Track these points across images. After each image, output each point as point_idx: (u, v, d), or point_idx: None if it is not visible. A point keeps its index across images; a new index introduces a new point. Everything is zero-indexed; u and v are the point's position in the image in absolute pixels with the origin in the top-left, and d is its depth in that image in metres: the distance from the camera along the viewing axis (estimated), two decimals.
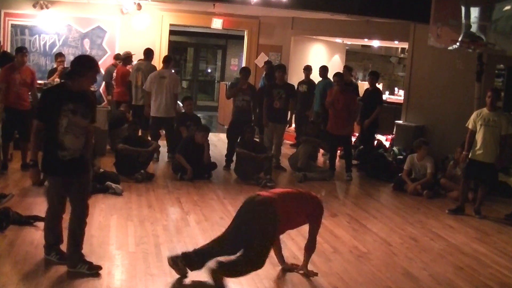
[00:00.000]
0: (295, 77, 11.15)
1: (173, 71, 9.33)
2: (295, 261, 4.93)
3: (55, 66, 10.40)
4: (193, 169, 7.70)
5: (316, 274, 4.63)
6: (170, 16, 11.88)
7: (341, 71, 10.23)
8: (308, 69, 10.61)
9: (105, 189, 6.63)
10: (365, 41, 13.82)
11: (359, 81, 14.59)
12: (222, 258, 4.27)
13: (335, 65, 13.07)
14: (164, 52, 11.73)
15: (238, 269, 4.23)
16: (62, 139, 4.22)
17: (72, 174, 4.33)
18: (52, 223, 4.57)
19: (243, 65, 12.32)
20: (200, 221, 5.93)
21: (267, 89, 9.14)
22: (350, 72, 10.89)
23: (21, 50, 7.53)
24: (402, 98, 12.05)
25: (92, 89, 9.40)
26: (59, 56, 10.25)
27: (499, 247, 5.93)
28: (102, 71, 11.36)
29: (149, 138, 8.75)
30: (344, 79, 10.06)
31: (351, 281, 4.63)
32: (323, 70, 10.67)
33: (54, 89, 4.61)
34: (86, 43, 11.46)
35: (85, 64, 4.30)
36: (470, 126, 7.03)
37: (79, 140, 4.31)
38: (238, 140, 8.57)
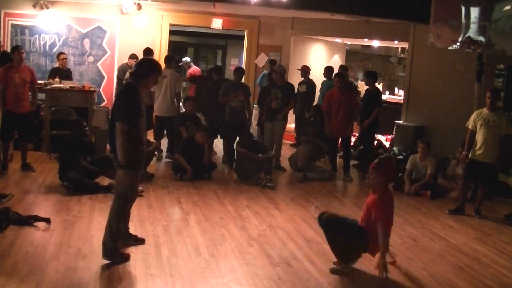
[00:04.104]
0: (295, 77, 11.15)
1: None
2: (295, 261, 4.94)
3: (56, 65, 10.41)
4: (193, 169, 7.71)
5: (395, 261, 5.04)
6: (170, 16, 11.88)
7: (339, 71, 10.25)
8: (305, 70, 10.57)
9: (107, 189, 6.63)
10: (365, 41, 13.81)
11: (359, 81, 14.61)
12: None
13: (335, 65, 13.04)
14: (164, 52, 11.72)
15: None
16: (141, 136, 4.56)
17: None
18: (124, 217, 4.79)
19: (243, 65, 12.33)
20: (200, 221, 5.93)
21: (266, 89, 9.19)
22: (345, 72, 10.89)
23: (17, 48, 7.53)
24: (402, 98, 12.06)
25: (92, 89, 9.44)
26: (61, 54, 10.27)
27: (499, 247, 5.93)
28: (102, 70, 11.45)
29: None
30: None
31: (351, 281, 4.64)
32: (328, 71, 10.67)
33: (134, 90, 4.56)
34: (86, 43, 11.46)
35: (149, 67, 4.60)
36: (470, 126, 7.03)
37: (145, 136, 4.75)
38: (238, 140, 8.59)
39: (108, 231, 4.60)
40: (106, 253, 4.57)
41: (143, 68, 4.60)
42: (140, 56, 10.55)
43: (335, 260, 4.83)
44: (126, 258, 4.64)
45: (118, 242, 4.70)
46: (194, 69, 11.86)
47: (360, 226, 4.75)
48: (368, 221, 4.70)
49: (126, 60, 10.76)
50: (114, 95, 10.77)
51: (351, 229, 4.73)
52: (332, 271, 4.73)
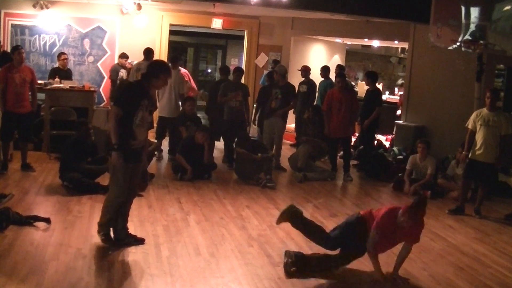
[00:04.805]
0: (295, 78, 11.15)
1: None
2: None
3: (56, 65, 10.40)
4: (193, 169, 7.71)
5: (407, 280, 4.71)
6: (170, 16, 11.88)
7: (336, 71, 10.28)
8: (305, 70, 10.57)
9: (107, 189, 6.61)
10: (365, 41, 13.81)
11: (359, 81, 14.62)
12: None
13: (335, 65, 13.05)
14: (164, 52, 11.75)
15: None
16: (135, 130, 4.70)
17: (136, 161, 4.84)
18: (116, 202, 4.89)
19: (243, 65, 12.34)
20: (200, 221, 5.93)
21: (266, 88, 9.19)
22: (342, 71, 10.87)
23: (17, 48, 7.54)
24: (398, 98, 12.13)
25: (92, 89, 9.44)
26: (62, 54, 10.27)
27: (499, 247, 5.93)
28: (102, 70, 11.45)
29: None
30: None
31: (351, 281, 4.64)
32: (325, 70, 10.67)
33: (135, 85, 5.08)
34: (86, 43, 11.46)
35: (160, 67, 4.83)
36: (469, 126, 7.03)
37: (145, 133, 4.89)
38: (237, 140, 8.60)
39: (101, 215, 4.96)
40: (98, 230, 4.97)
41: (153, 69, 4.83)
42: (132, 55, 10.64)
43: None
44: (110, 240, 4.93)
45: (108, 228, 4.97)
46: (184, 71, 11.91)
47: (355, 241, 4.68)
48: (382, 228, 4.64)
49: (117, 61, 10.77)
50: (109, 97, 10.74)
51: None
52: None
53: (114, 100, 4.81)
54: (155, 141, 8.96)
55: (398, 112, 11.91)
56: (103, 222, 4.94)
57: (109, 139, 4.73)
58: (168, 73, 4.88)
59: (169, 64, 8.91)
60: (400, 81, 12.98)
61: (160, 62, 5.14)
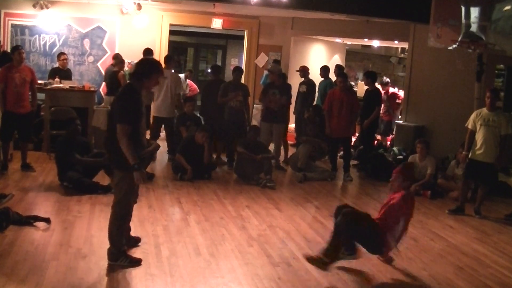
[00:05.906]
0: (295, 78, 11.15)
1: (173, 71, 9.31)
2: (294, 261, 4.93)
3: (56, 65, 10.40)
4: (193, 169, 7.71)
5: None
6: (170, 16, 11.88)
7: (335, 71, 10.27)
8: (303, 70, 10.57)
9: (107, 188, 6.63)
10: (365, 41, 13.81)
11: (359, 81, 14.60)
12: None
13: (335, 65, 13.04)
14: (164, 52, 11.72)
15: None
16: (141, 139, 4.45)
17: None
18: (125, 221, 4.64)
19: (243, 65, 12.32)
20: (200, 221, 5.93)
21: (265, 89, 9.20)
22: (341, 71, 10.86)
23: (17, 48, 7.53)
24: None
25: (92, 89, 9.44)
26: (62, 54, 10.26)
27: (499, 247, 5.93)
28: (102, 70, 11.45)
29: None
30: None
31: (351, 281, 4.64)
32: (324, 70, 10.67)
33: (133, 91, 4.40)
34: (86, 43, 11.46)
35: (151, 67, 4.43)
36: (469, 126, 7.04)
37: (145, 138, 4.64)
38: (238, 140, 8.60)
39: (108, 236, 4.57)
40: (109, 257, 4.54)
41: (144, 68, 4.41)
42: (132, 55, 10.55)
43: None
44: (136, 262, 4.55)
45: (124, 246, 4.65)
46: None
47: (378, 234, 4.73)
48: (386, 223, 4.75)
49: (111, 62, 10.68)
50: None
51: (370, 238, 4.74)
52: (310, 260, 4.65)
53: (120, 116, 4.27)
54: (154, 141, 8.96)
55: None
56: (119, 246, 4.54)
57: (120, 159, 4.30)
58: (160, 72, 4.51)
59: (163, 64, 9.02)
60: (385, 79, 12.79)
61: (150, 60, 4.68)
